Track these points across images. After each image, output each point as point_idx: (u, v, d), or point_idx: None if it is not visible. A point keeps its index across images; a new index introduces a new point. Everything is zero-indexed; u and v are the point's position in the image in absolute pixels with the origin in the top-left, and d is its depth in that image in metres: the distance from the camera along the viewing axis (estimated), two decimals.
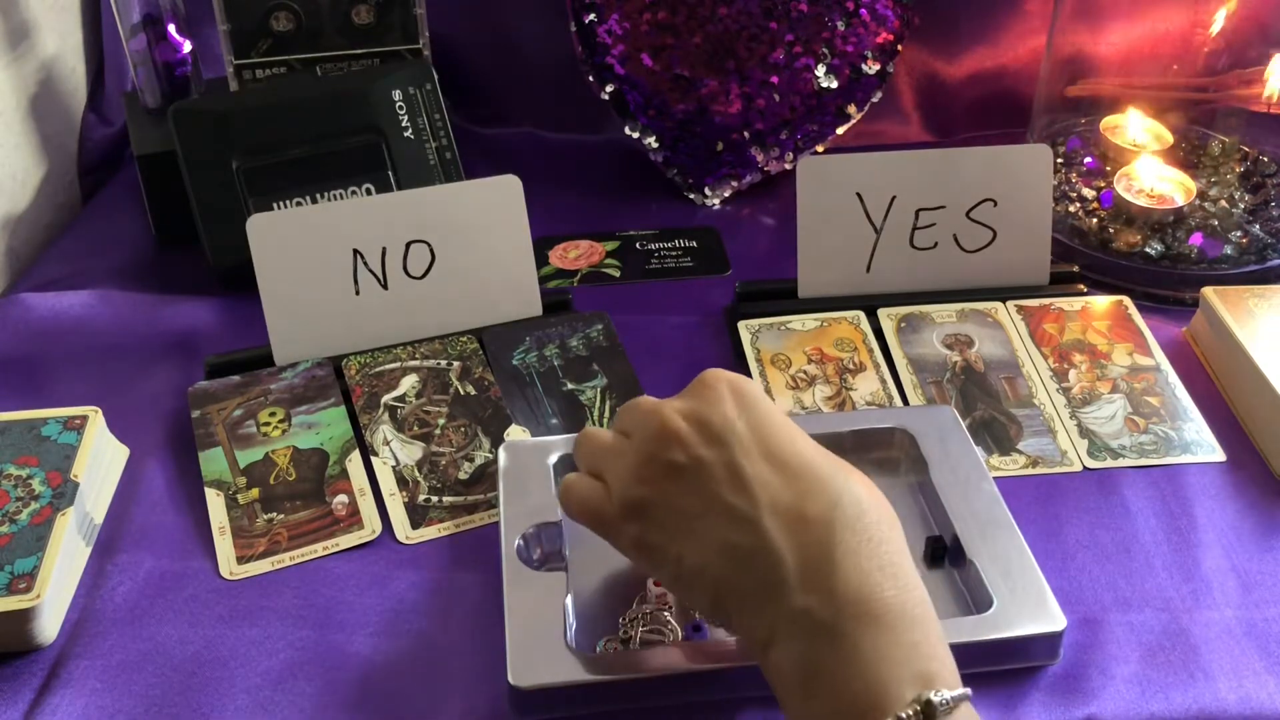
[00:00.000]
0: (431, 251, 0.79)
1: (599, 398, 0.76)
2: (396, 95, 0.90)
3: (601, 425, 0.74)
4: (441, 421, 0.74)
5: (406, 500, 0.69)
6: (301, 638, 0.62)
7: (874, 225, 0.83)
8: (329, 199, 0.87)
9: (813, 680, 0.47)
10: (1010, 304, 0.83)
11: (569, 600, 0.60)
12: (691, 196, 1.01)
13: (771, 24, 0.95)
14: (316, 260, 0.77)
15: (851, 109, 0.99)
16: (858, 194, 0.82)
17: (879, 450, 0.70)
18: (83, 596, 0.64)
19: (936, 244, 0.83)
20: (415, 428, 0.74)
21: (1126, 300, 0.84)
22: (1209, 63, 0.94)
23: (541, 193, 0.86)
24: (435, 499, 0.70)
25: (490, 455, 0.72)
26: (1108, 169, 0.94)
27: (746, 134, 0.98)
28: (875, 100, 0.99)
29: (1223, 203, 0.90)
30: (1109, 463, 0.72)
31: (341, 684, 0.59)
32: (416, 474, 0.71)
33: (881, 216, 0.82)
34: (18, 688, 0.59)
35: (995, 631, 0.58)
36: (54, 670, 0.60)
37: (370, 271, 0.79)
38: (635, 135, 0.98)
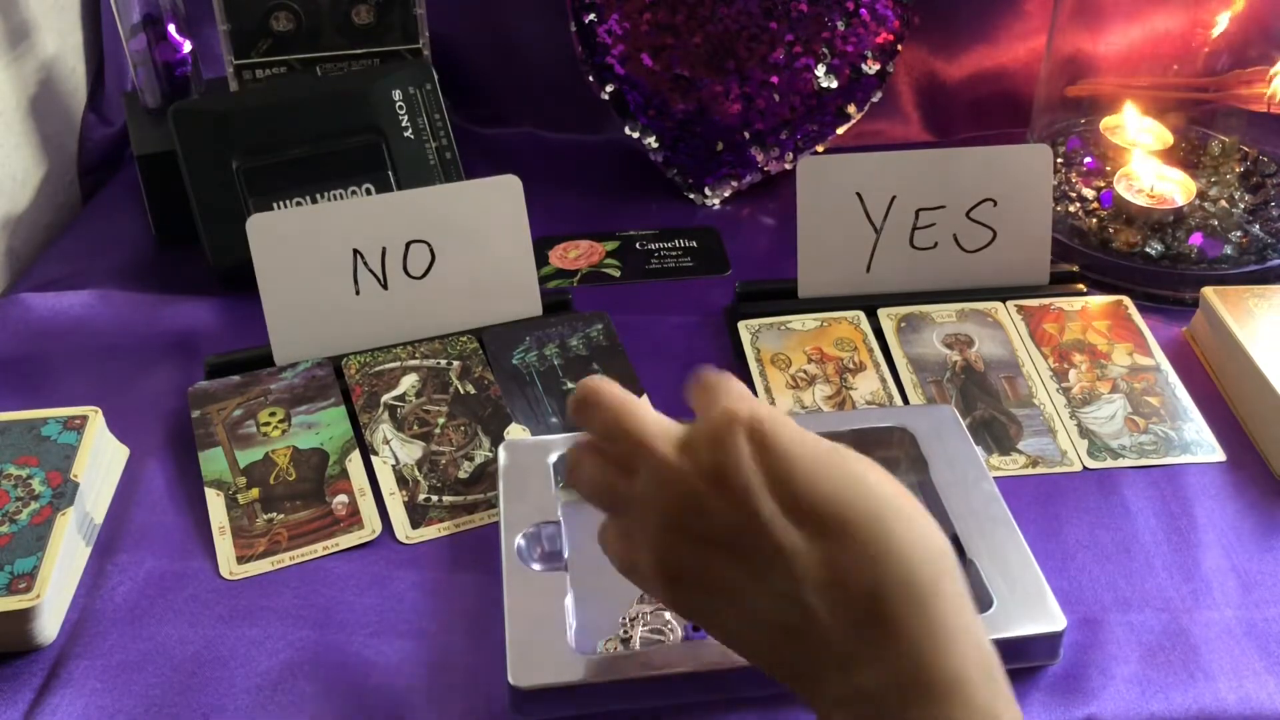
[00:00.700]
0: (431, 251, 0.79)
1: None
2: (396, 95, 0.90)
3: None
4: (441, 421, 0.74)
5: (406, 499, 0.69)
6: (301, 637, 0.62)
7: (874, 225, 0.83)
8: (329, 199, 0.87)
9: None
10: (1010, 304, 0.83)
11: (569, 600, 0.60)
12: (691, 196, 1.01)
13: (771, 24, 0.95)
14: (316, 260, 0.77)
15: (851, 109, 0.98)
16: (858, 194, 0.82)
17: (879, 450, 0.70)
18: (83, 596, 0.64)
19: (936, 244, 0.83)
20: (415, 427, 0.74)
21: (1126, 300, 0.84)
22: (1209, 63, 0.94)
23: (541, 193, 0.86)
24: (435, 498, 0.70)
25: (490, 454, 0.72)
26: (1107, 169, 0.94)
27: (746, 134, 0.98)
28: (875, 100, 0.99)
29: (1223, 203, 0.90)
30: (1109, 463, 0.72)
31: (341, 684, 0.59)
32: (416, 473, 0.71)
33: (881, 216, 0.82)
34: (18, 688, 0.59)
35: (995, 631, 0.57)
36: (54, 670, 0.60)
37: (370, 271, 0.79)
38: (635, 135, 0.98)
